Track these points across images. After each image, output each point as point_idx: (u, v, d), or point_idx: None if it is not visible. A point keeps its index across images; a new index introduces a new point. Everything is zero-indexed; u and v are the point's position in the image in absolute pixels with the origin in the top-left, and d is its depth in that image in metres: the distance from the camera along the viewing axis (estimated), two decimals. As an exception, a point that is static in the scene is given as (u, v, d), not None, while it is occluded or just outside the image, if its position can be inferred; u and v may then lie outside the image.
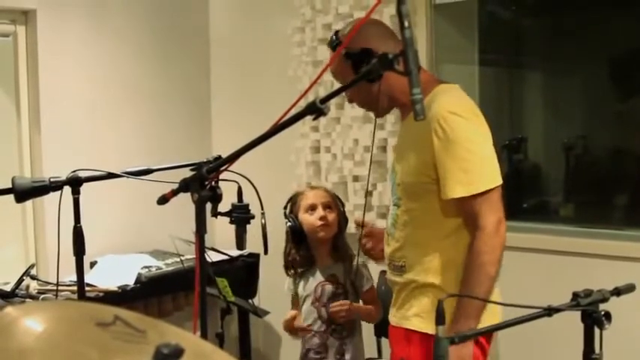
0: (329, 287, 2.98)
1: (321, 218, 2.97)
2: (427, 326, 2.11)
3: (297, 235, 3.00)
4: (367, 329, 3.33)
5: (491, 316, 2.08)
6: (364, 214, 2.36)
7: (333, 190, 3.22)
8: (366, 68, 1.46)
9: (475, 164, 2.05)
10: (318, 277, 3.02)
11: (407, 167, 2.19)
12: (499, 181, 2.09)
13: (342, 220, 3.06)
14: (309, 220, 2.99)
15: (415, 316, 2.20)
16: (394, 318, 2.31)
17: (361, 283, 3.01)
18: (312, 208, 2.99)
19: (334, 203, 3.06)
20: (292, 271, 3.05)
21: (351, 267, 2.98)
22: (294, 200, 3.07)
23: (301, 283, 3.04)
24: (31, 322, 0.89)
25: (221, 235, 3.94)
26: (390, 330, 2.35)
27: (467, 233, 2.12)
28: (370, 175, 3.50)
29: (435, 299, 1.58)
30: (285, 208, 3.08)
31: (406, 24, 1.37)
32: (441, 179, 2.08)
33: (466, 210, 2.09)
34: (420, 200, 2.17)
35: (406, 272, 2.22)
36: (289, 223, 3.00)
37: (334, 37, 2.25)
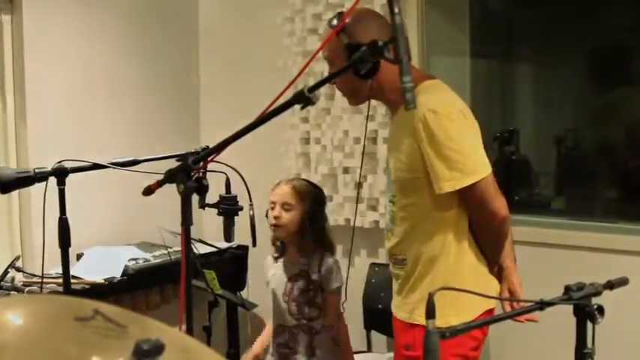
0: (300, 282, 2.93)
1: (275, 218, 2.92)
2: None
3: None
4: (357, 321, 3.31)
5: (486, 301, 2.15)
6: (357, 205, 2.35)
7: (320, 183, 3.18)
8: (356, 55, 1.42)
9: (458, 162, 2.12)
10: (285, 269, 2.98)
11: (399, 164, 2.25)
12: (486, 171, 2.16)
13: (307, 217, 2.92)
14: (269, 216, 2.96)
15: (417, 310, 2.22)
16: (398, 310, 2.34)
17: (327, 282, 2.91)
18: (272, 204, 2.96)
19: (298, 201, 2.93)
20: (275, 254, 3.05)
21: (318, 264, 2.92)
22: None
23: (271, 270, 3.03)
24: (9, 317, 0.86)
25: (209, 226, 3.90)
26: (394, 320, 2.38)
27: (465, 222, 2.22)
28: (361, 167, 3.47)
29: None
30: None
31: (396, 10, 1.34)
32: (431, 177, 2.16)
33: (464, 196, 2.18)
34: (414, 195, 2.23)
35: (407, 265, 2.28)
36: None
37: (335, 19, 2.23)
